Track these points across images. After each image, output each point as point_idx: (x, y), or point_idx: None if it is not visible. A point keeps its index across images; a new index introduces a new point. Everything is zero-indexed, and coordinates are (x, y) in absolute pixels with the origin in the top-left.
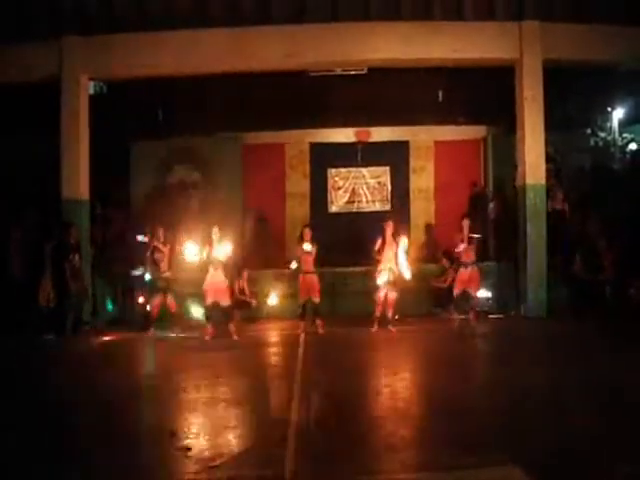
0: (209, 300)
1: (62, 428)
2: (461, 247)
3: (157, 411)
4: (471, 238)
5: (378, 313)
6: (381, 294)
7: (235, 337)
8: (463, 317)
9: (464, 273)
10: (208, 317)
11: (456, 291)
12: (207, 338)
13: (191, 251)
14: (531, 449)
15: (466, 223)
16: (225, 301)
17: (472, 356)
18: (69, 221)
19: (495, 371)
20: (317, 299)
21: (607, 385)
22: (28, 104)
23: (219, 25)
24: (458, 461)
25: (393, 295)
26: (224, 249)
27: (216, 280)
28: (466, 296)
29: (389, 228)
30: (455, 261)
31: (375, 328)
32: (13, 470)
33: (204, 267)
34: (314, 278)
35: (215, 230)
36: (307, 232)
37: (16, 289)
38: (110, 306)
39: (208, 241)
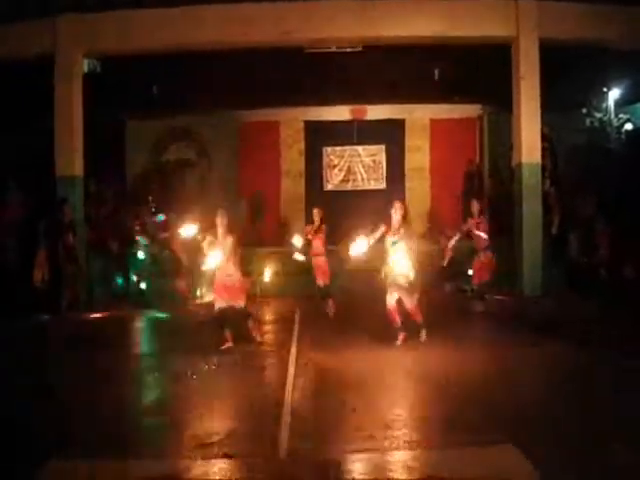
0: (220, 303)
1: None
2: (472, 226)
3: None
4: (480, 221)
5: (397, 322)
6: (391, 299)
7: (258, 338)
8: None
9: (477, 262)
10: (222, 325)
11: (475, 281)
12: (224, 347)
13: (189, 233)
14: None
15: (475, 205)
16: (240, 302)
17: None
18: (63, 198)
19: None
20: (323, 282)
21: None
22: (17, 82)
23: (215, 1)
24: (455, 440)
25: (410, 302)
26: (230, 237)
27: (227, 276)
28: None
29: (398, 212)
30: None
31: (400, 340)
32: None
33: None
34: (321, 260)
35: (221, 214)
36: (316, 213)
37: (9, 269)
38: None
39: (212, 227)
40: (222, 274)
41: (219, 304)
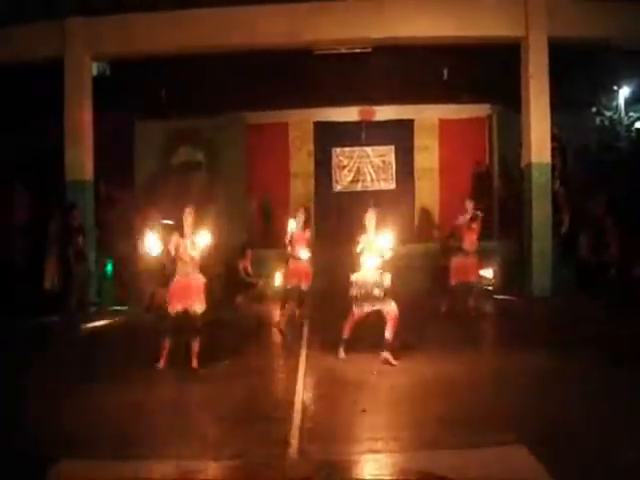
0: (174, 308)
1: None
2: (461, 221)
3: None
4: (474, 222)
5: (346, 334)
6: (360, 311)
7: (197, 367)
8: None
9: (462, 261)
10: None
11: (453, 282)
12: (160, 366)
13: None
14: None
15: (469, 205)
16: (197, 306)
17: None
18: (72, 202)
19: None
20: (305, 286)
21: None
22: (27, 87)
23: (223, 3)
24: (466, 441)
25: (392, 311)
26: (200, 240)
27: (185, 275)
28: (466, 286)
29: (371, 218)
30: (453, 237)
31: (342, 355)
32: None
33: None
34: (304, 264)
35: (189, 212)
36: (300, 213)
37: (17, 270)
38: None
39: (179, 227)
40: (181, 273)
41: (173, 307)
